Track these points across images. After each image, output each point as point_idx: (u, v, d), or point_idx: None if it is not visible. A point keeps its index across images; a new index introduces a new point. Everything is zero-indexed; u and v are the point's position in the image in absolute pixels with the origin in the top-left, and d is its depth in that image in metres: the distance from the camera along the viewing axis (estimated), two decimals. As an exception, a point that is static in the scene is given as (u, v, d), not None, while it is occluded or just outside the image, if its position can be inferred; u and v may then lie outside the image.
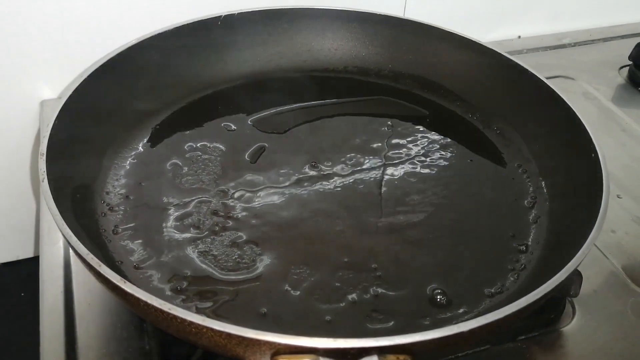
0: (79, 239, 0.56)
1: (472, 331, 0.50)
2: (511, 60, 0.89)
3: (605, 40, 1.29)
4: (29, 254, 1.18)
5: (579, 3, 1.29)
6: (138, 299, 0.51)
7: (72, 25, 0.94)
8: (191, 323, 0.49)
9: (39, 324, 0.70)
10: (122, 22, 0.97)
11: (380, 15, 0.97)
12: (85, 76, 0.77)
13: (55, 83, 0.99)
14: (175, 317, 0.50)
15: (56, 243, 0.79)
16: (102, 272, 0.53)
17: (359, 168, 0.83)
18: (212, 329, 0.49)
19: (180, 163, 0.81)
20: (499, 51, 0.90)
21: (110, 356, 0.66)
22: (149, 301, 0.50)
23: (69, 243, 0.57)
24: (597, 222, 0.62)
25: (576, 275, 0.70)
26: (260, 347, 0.49)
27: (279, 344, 0.48)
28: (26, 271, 1.18)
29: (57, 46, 0.96)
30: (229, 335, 0.49)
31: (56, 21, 0.93)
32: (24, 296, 1.15)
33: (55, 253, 0.77)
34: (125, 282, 0.52)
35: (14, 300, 1.14)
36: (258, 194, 0.78)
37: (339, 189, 0.80)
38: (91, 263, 0.54)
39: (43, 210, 0.83)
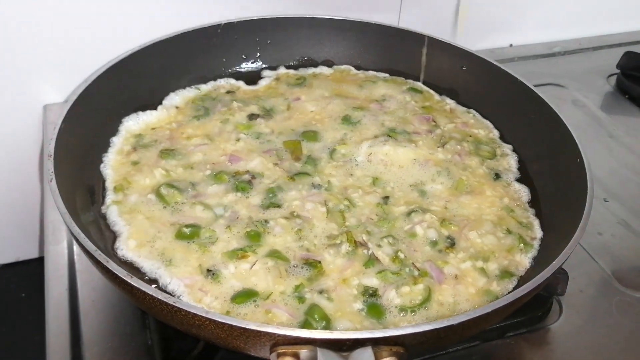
0: (87, 237, 0.58)
1: (461, 324, 0.53)
2: (501, 68, 0.92)
3: (594, 49, 1.33)
4: (29, 255, 1.20)
5: (569, 13, 1.33)
6: (144, 293, 0.53)
7: (74, 33, 0.97)
8: (195, 315, 0.52)
9: (41, 324, 0.72)
10: (123, 29, 0.99)
11: (375, 24, 1.00)
12: (90, 81, 0.80)
13: (58, 88, 1.01)
14: (179, 310, 0.52)
15: (60, 242, 0.81)
16: (110, 267, 0.55)
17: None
18: (214, 321, 0.52)
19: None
20: (489, 59, 0.94)
21: (114, 351, 0.68)
22: (155, 295, 0.53)
23: (76, 240, 0.59)
24: (581, 222, 0.65)
25: (562, 275, 0.73)
26: (261, 338, 0.52)
27: (279, 336, 0.51)
28: (26, 272, 1.19)
29: (59, 53, 0.98)
30: (231, 327, 0.51)
31: (58, 30, 0.96)
32: (25, 297, 1.17)
33: (60, 252, 0.80)
34: (132, 277, 0.54)
35: (15, 301, 1.16)
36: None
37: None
38: (99, 259, 0.56)
39: (48, 211, 0.85)
